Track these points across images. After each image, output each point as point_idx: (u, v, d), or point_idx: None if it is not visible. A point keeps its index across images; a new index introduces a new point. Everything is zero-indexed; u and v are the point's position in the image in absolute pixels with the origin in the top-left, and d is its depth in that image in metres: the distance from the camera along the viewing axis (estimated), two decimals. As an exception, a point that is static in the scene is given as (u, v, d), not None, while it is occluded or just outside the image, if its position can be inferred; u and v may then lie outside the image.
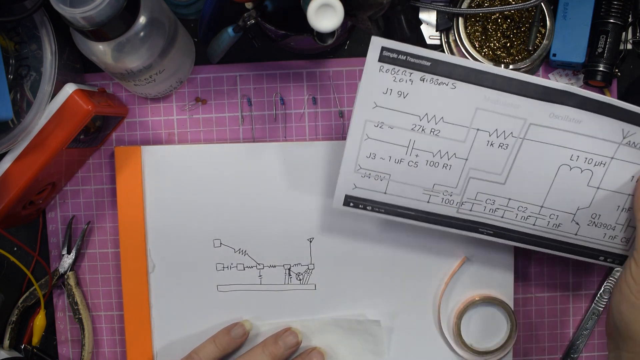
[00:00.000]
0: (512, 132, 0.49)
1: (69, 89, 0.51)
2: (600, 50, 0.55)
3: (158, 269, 0.58)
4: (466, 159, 0.50)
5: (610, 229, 0.52)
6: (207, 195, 0.58)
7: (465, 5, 0.56)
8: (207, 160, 0.58)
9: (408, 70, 0.48)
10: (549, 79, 0.58)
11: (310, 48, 0.56)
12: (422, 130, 0.49)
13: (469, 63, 0.48)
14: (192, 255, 0.58)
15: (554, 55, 0.56)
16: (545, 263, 0.60)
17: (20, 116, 0.50)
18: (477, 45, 0.56)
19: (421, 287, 0.58)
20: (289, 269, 0.58)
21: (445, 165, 0.50)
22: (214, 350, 0.56)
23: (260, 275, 0.58)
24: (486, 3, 0.56)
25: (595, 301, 0.59)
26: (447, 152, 0.50)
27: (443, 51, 0.58)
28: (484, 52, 0.56)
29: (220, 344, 0.56)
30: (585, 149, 0.50)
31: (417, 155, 0.50)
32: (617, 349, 0.48)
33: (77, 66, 0.57)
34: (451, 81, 0.48)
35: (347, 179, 0.52)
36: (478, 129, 0.49)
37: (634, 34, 0.56)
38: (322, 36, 0.47)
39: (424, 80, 0.48)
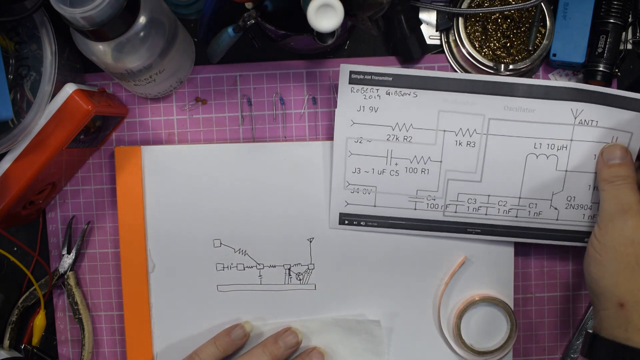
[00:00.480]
0: (475, 129, 0.54)
1: (69, 89, 0.51)
2: (600, 50, 0.55)
3: (158, 269, 0.58)
4: (440, 161, 0.55)
5: (588, 209, 0.55)
6: (207, 195, 0.58)
7: (465, 5, 0.56)
8: (207, 160, 0.58)
9: (375, 87, 0.54)
10: (549, 79, 0.58)
11: (310, 48, 0.56)
12: (396, 138, 0.55)
13: (422, 72, 0.54)
14: (192, 255, 0.58)
15: (554, 55, 0.56)
16: (545, 263, 0.60)
17: (20, 116, 0.50)
18: (477, 45, 0.56)
19: (421, 287, 0.58)
20: (289, 269, 0.58)
21: (423, 170, 0.55)
22: (214, 352, 0.56)
23: (260, 275, 0.58)
24: (486, 3, 0.56)
25: (595, 301, 0.59)
26: (422, 157, 0.55)
27: (443, 51, 0.58)
28: (484, 52, 0.56)
29: (221, 345, 0.56)
30: (545, 136, 0.54)
31: (396, 164, 0.55)
32: (596, 312, 0.50)
33: (77, 66, 0.57)
34: (412, 90, 0.54)
35: (338, 197, 0.57)
36: (445, 130, 0.55)
37: (634, 34, 0.56)
38: (322, 36, 0.47)
39: (389, 93, 0.54)
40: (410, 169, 0.55)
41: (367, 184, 0.56)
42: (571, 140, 0.54)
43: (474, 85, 0.54)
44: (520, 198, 0.55)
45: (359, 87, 0.54)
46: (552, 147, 0.54)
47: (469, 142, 0.55)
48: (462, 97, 0.54)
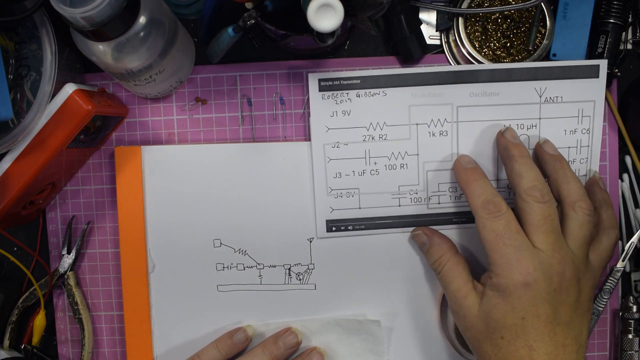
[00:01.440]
0: (445, 119, 0.56)
1: (69, 89, 0.51)
2: (600, 50, 0.55)
3: (158, 269, 0.58)
4: (417, 154, 0.56)
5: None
6: (207, 195, 0.58)
7: (465, 5, 0.56)
8: (207, 160, 0.58)
9: (344, 92, 0.56)
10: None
11: (310, 48, 0.56)
12: (372, 138, 0.56)
13: (388, 71, 0.55)
14: (192, 255, 0.58)
15: (554, 55, 0.56)
16: (545, 263, 0.60)
17: (20, 116, 0.50)
18: (477, 45, 0.56)
19: (421, 287, 0.58)
20: (289, 269, 0.58)
21: (402, 165, 0.56)
22: (216, 354, 0.56)
23: (260, 275, 0.58)
24: (486, 3, 0.56)
25: (595, 301, 0.59)
26: (400, 152, 0.56)
27: (443, 51, 0.58)
28: (484, 52, 0.56)
29: (223, 349, 0.56)
30: (513, 117, 0.56)
31: (375, 163, 0.56)
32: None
33: (77, 66, 0.57)
34: (381, 90, 0.56)
35: (323, 204, 0.57)
36: (417, 124, 0.56)
37: (634, 34, 0.56)
38: (322, 36, 0.47)
39: (359, 95, 0.56)
40: (390, 166, 0.56)
41: (350, 187, 0.57)
42: (539, 118, 0.56)
43: (439, 77, 0.55)
44: (498, 180, 0.56)
45: (329, 93, 0.56)
46: (522, 127, 0.56)
47: (441, 132, 0.56)
48: (429, 89, 0.55)
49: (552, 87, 0.55)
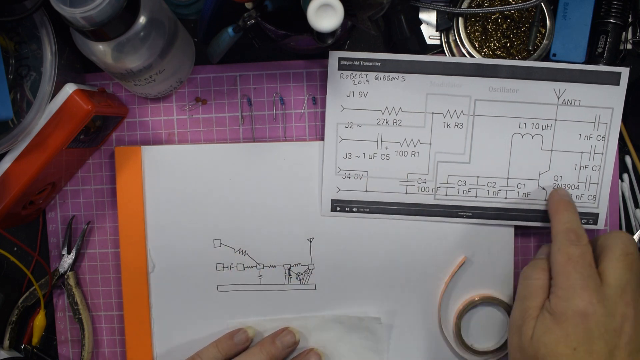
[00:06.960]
0: (462, 111, 0.56)
1: (69, 89, 0.51)
2: (600, 50, 0.55)
3: (158, 269, 0.58)
4: (430, 144, 0.56)
5: (575, 189, 0.56)
6: (207, 195, 0.58)
7: (465, 5, 0.56)
8: (207, 160, 0.58)
9: (363, 73, 0.56)
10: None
11: (310, 48, 0.56)
12: (386, 122, 0.56)
13: (410, 57, 0.55)
14: (192, 255, 0.58)
15: (554, 55, 0.56)
16: (545, 263, 0.60)
17: (20, 116, 0.50)
18: (477, 45, 0.56)
19: (421, 287, 0.58)
20: (289, 269, 0.58)
21: (414, 152, 0.56)
22: (216, 354, 0.56)
23: (260, 275, 0.58)
24: (486, 3, 0.56)
25: (595, 301, 0.59)
26: (412, 140, 0.56)
27: (443, 51, 0.58)
28: (484, 52, 0.56)
29: (223, 349, 0.56)
30: (529, 116, 0.56)
31: (387, 148, 0.56)
32: None
33: (77, 66, 0.57)
34: (400, 75, 0.55)
35: (330, 183, 0.57)
36: (433, 113, 0.56)
37: (634, 34, 0.56)
38: (322, 36, 0.47)
39: (378, 78, 0.56)
40: (401, 152, 0.56)
41: (359, 169, 0.57)
42: (555, 120, 0.55)
43: (460, 68, 0.55)
44: (508, 178, 0.56)
45: (348, 73, 0.56)
46: (537, 127, 0.56)
47: (456, 124, 0.56)
48: (449, 79, 0.55)
49: (571, 89, 0.55)
